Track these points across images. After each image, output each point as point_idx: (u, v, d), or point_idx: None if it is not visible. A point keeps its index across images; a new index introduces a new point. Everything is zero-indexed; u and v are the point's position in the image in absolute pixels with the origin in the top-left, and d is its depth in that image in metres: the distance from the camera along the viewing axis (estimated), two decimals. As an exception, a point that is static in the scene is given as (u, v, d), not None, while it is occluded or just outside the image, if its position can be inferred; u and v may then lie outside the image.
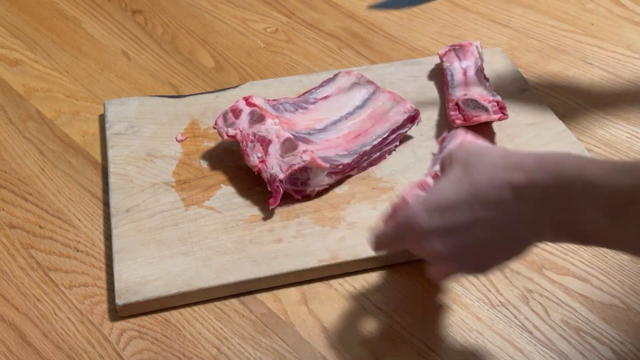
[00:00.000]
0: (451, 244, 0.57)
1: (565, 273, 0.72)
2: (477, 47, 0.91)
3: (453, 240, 0.57)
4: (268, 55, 1.00)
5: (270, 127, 0.77)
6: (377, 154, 0.81)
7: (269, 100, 0.82)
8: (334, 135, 0.81)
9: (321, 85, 0.86)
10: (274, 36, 1.04)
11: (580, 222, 0.52)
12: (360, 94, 0.85)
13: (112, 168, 0.80)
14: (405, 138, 0.83)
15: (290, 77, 0.93)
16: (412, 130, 0.84)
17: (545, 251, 0.74)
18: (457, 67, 0.89)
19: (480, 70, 0.88)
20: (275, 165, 0.74)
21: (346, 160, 0.77)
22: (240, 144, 0.77)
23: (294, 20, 1.07)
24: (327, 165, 0.75)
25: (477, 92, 0.84)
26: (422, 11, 1.09)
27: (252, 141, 0.77)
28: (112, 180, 0.79)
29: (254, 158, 0.76)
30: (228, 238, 0.73)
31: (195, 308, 0.69)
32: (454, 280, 0.70)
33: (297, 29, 1.05)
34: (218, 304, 0.69)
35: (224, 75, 0.97)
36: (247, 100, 0.80)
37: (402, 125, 0.82)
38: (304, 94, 0.85)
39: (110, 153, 0.82)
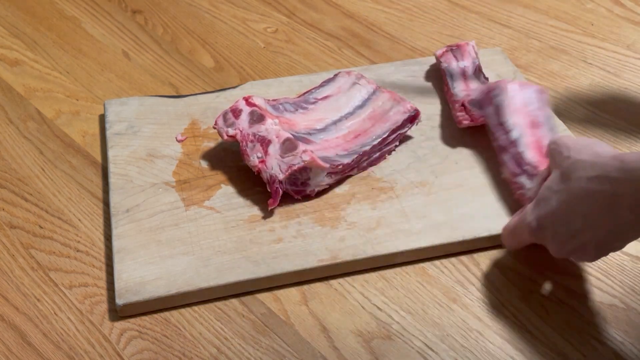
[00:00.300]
0: (569, 245, 0.63)
1: (565, 273, 0.72)
2: (473, 46, 0.91)
3: (569, 243, 0.63)
4: (268, 55, 1.00)
5: (270, 127, 0.77)
6: (377, 154, 0.81)
7: (269, 100, 0.82)
8: (333, 135, 0.81)
9: (321, 85, 0.86)
10: (274, 36, 1.04)
11: None
12: (360, 94, 0.85)
13: (112, 168, 0.80)
14: (405, 138, 0.83)
15: (290, 77, 0.93)
16: (412, 130, 0.84)
17: (545, 251, 0.74)
18: (456, 68, 0.89)
19: (478, 70, 0.88)
20: (275, 166, 0.74)
21: (346, 160, 0.77)
22: (240, 144, 0.77)
23: (294, 20, 1.07)
24: (327, 165, 0.75)
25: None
26: (422, 11, 1.09)
27: (252, 141, 0.77)
28: (112, 180, 0.79)
29: (253, 158, 0.76)
30: (228, 238, 0.73)
31: (196, 308, 0.69)
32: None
33: (297, 29, 1.05)
34: (218, 304, 0.69)
35: (224, 75, 0.97)
36: (247, 100, 0.80)
37: (402, 125, 0.82)
38: (304, 94, 0.85)
39: (110, 153, 0.82)
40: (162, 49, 1.01)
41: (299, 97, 0.85)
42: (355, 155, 0.78)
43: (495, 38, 1.03)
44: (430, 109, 0.88)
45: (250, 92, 0.89)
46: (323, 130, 0.81)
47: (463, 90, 0.86)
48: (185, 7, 1.09)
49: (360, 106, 0.84)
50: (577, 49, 1.01)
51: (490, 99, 0.80)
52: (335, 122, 0.82)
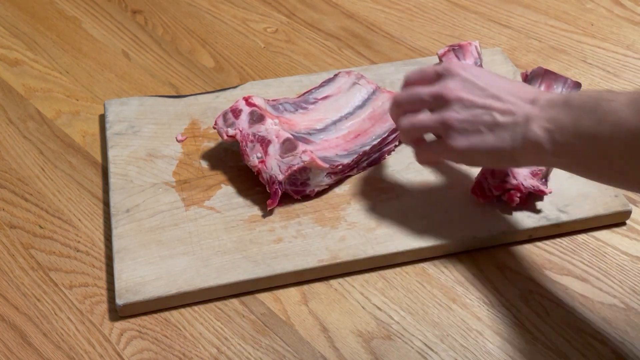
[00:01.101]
0: (469, 95, 0.65)
1: (565, 273, 0.72)
2: (476, 46, 0.91)
3: (472, 95, 0.65)
4: (268, 55, 1.00)
5: (270, 127, 0.77)
6: (377, 154, 0.81)
7: (268, 100, 0.82)
8: (333, 135, 0.81)
9: (321, 85, 0.86)
10: (274, 36, 1.04)
11: (577, 130, 0.59)
12: (360, 94, 0.85)
13: (112, 168, 0.80)
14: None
15: (290, 77, 0.93)
16: (412, 130, 0.84)
17: (545, 251, 0.74)
18: (457, 67, 0.89)
19: (480, 70, 0.88)
20: (275, 166, 0.74)
21: (346, 161, 0.77)
22: (240, 144, 0.77)
23: (294, 20, 1.07)
24: (327, 165, 0.75)
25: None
26: (422, 11, 1.09)
27: (251, 141, 0.77)
28: (112, 180, 0.79)
29: (253, 158, 0.76)
30: (228, 238, 0.73)
31: (196, 308, 0.69)
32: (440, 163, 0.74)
33: (297, 29, 1.05)
34: (218, 304, 0.69)
35: (224, 75, 0.97)
36: (247, 100, 0.80)
37: None
38: (304, 94, 0.85)
39: (111, 153, 0.82)
40: (162, 49, 1.01)
41: (299, 97, 0.85)
42: (355, 155, 0.78)
43: (495, 38, 1.03)
44: (430, 109, 0.88)
45: (250, 92, 0.89)
46: (323, 130, 0.81)
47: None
48: (185, 7, 1.09)
49: (360, 106, 0.84)
50: (577, 49, 1.01)
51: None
52: (335, 122, 0.82)
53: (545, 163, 0.68)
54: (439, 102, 0.67)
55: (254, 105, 0.79)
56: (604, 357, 0.65)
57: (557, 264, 0.73)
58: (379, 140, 0.80)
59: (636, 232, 0.76)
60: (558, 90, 0.84)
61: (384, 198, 0.77)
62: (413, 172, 0.80)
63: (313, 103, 0.84)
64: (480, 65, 0.89)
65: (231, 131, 0.78)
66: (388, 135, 0.81)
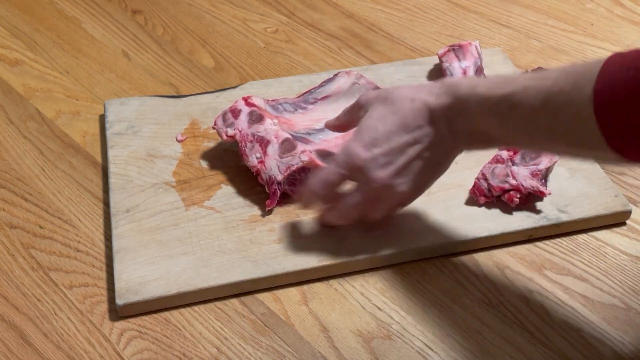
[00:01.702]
0: (391, 168, 0.66)
1: (565, 273, 0.72)
2: (476, 46, 0.91)
3: (392, 164, 0.66)
4: (268, 55, 1.00)
5: (269, 127, 0.77)
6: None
7: (268, 100, 0.82)
8: (332, 135, 0.80)
9: (321, 85, 0.86)
10: (274, 36, 1.04)
11: (479, 129, 0.63)
12: (360, 94, 0.84)
13: (112, 168, 0.80)
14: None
15: (290, 77, 0.93)
16: (412, 130, 0.84)
17: (545, 251, 0.74)
18: (457, 67, 0.89)
19: (479, 70, 0.88)
20: (274, 167, 0.74)
21: None
22: (239, 145, 0.77)
23: (294, 20, 1.07)
24: (325, 165, 0.75)
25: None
26: (422, 11, 1.09)
27: (250, 141, 0.77)
28: (112, 180, 0.79)
29: (252, 159, 0.76)
30: (228, 238, 0.73)
31: (196, 308, 0.69)
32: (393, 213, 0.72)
33: (297, 29, 1.05)
34: (218, 304, 0.69)
35: (224, 75, 0.97)
36: (246, 100, 0.80)
37: None
38: (304, 94, 0.85)
39: (111, 153, 0.82)
40: (162, 49, 1.01)
41: (299, 97, 0.85)
42: (355, 155, 0.78)
43: (495, 38, 1.03)
44: (430, 109, 0.88)
45: (250, 92, 0.89)
46: (322, 130, 0.81)
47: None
48: (185, 7, 1.09)
49: (360, 106, 0.84)
50: (577, 49, 1.01)
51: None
52: (335, 122, 0.82)
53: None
54: (355, 174, 0.68)
55: (253, 105, 0.79)
56: (604, 357, 0.65)
57: (557, 264, 0.73)
58: (379, 140, 0.80)
59: (636, 232, 0.76)
60: None
61: (384, 198, 0.77)
62: (413, 172, 0.80)
63: (312, 103, 0.84)
64: (481, 65, 0.89)
65: (230, 131, 0.78)
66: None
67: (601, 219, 0.75)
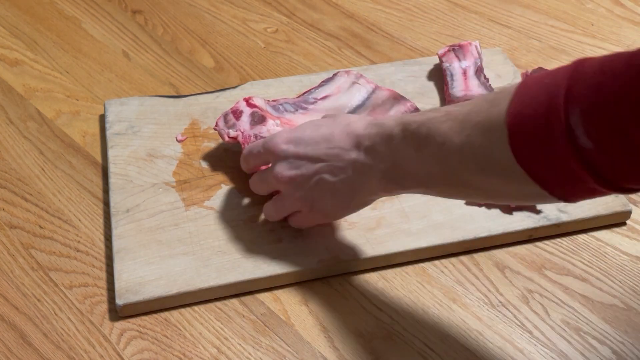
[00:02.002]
0: (295, 171, 0.67)
1: (565, 273, 0.72)
2: (476, 46, 0.91)
3: (298, 170, 0.66)
4: (268, 55, 1.00)
5: (272, 127, 0.77)
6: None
7: (268, 100, 0.82)
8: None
9: (320, 85, 0.86)
10: (274, 36, 1.04)
11: (397, 161, 0.61)
12: (360, 93, 0.85)
13: (112, 168, 0.80)
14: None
15: (290, 77, 0.93)
16: (412, 130, 0.84)
17: (545, 251, 0.74)
18: (457, 67, 0.89)
19: (479, 70, 0.88)
20: None
21: None
22: (242, 146, 0.77)
23: (294, 20, 1.07)
24: None
25: (477, 92, 0.84)
26: (422, 11, 1.09)
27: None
28: (112, 180, 0.79)
29: None
30: (228, 238, 0.73)
31: (196, 308, 0.69)
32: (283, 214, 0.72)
33: (297, 29, 1.05)
34: (218, 304, 0.69)
35: (224, 75, 0.97)
36: (247, 101, 0.79)
37: None
38: (304, 94, 0.85)
39: (110, 153, 0.82)
40: (162, 49, 1.01)
41: (299, 97, 0.85)
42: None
43: (495, 38, 1.03)
44: (430, 109, 0.88)
45: (250, 92, 0.89)
46: (323, 130, 0.81)
47: (461, 90, 0.86)
48: (185, 7, 1.09)
49: (361, 105, 0.84)
50: (577, 49, 1.01)
51: None
52: (335, 122, 0.82)
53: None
54: (267, 158, 0.71)
55: (254, 106, 0.79)
56: (604, 357, 0.65)
57: (557, 264, 0.73)
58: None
59: (636, 232, 0.76)
60: None
61: (384, 198, 0.77)
62: (413, 172, 0.80)
63: (313, 103, 0.84)
64: (481, 65, 0.89)
65: (232, 132, 0.78)
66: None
67: (601, 219, 0.75)
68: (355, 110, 0.83)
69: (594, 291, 0.70)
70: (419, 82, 0.92)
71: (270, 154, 0.69)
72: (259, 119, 0.78)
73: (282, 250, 0.72)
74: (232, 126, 0.78)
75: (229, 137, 0.78)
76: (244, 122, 0.78)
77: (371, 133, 0.63)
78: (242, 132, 0.77)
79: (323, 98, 0.84)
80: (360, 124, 0.65)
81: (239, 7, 1.10)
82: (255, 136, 0.77)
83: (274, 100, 0.82)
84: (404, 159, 0.60)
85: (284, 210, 0.71)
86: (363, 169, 0.64)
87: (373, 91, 0.85)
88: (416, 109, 0.82)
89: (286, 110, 0.82)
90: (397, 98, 0.83)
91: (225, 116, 0.79)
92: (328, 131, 0.66)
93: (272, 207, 0.72)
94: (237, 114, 0.79)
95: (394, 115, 0.65)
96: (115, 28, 1.05)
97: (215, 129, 0.80)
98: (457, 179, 0.57)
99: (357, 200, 0.67)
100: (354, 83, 0.85)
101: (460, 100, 0.83)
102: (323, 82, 0.86)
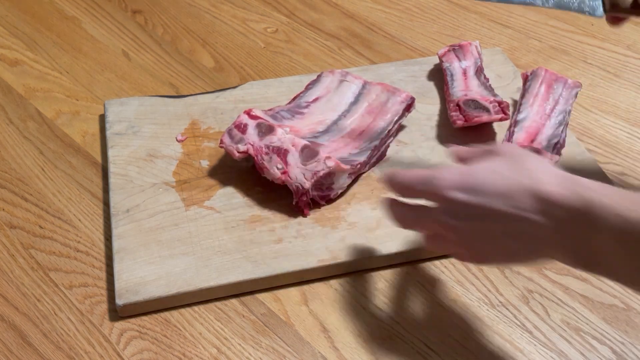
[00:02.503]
0: (463, 224, 0.57)
1: (565, 273, 0.72)
2: (476, 46, 0.91)
3: (466, 222, 0.57)
4: (268, 55, 1.00)
5: (283, 136, 0.76)
6: (383, 147, 0.80)
7: (265, 110, 0.81)
8: (338, 135, 0.80)
9: (307, 89, 0.85)
10: (274, 36, 1.04)
11: (593, 246, 0.52)
12: (351, 90, 0.84)
13: (112, 168, 0.80)
14: (405, 138, 0.83)
15: (290, 77, 0.93)
16: (413, 130, 0.84)
17: (545, 251, 0.74)
18: (457, 67, 0.89)
19: (479, 70, 0.88)
20: (299, 175, 0.73)
21: (362, 159, 0.77)
22: (255, 159, 0.75)
23: (294, 20, 1.07)
24: (348, 166, 0.75)
25: (478, 92, 0.84)
26: (422, 11, 1.09)
27: (267, 154, 0.75)
28: (112, 180, 0.79)
29: (274, 170, 0.74)
30: (228, 238, 0.73)
31: (196, 308, 0.69)
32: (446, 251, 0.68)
33: (297, 29, 1.05)
34: (218, 304, 0.69)
35: (224, 75, 0.97)
36: (249, 113, 0.78)
37: (402, 115, 0.82)
38: (294, 99, 0.84)
39: (110, 153, 0.82)
40: (162, 49, 1.01)
41: (290, 103, 0.84)
42: (368, 152, 0.78)
43: (495, 38, 1.03)
44: (430, 109, 0.88)
45: (250, 92, 0.89)
46: (326, 131, 0.80)
47: (461, 90, 0.86)
48: (185, 7, 1.09)
49: (354, 102, 0.83)
50: (577, 49, 1.01)
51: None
52: (335, 122, 0.82)
53: None
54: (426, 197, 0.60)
55: (257, 117, 0.78)
56: (604, 357, 0.65)
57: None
58: (385, 133, 0.80)
59: (636, 232, 0.76)
60: (558, 91, 0.84)
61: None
62: (413, 172, 0.80)
63: (306, 107, 0.83)
64: (481, 65, 0.89)
65: (242, 147, 0.76)
66: (392, 127, 0.81)
67: (601, 219, 0.75)
68: (350, 107, 0.83)
69: (594, 291, 0.70)
70: (419, 82, 0.92)
71: (434, 195, 0.59)
72: (267, 129, 0.76)
73: (282, 250, 0.72)
74: (240, 141, 0.77)
75: (238, 152, 0.76)
76: (252, 134, 0.77)
77: (565, 202, 0.53)
78: (252, 145, 0.76)
79: (314, 100, 0.84)
80: (550, 178, 0.55)
81: (239, 7, 1.10)
82: (267, 147, 0.75)
83: (269, 110, 0.81)
84: (606, 252, 0.52)
85: (443, 250, 0.67)
86: (547, 242, 0.55)
87: (363, 86, 0.84)
88: (412, 98, 0.82)
89: (284, 118, 0.81)
90: (391, 90, 0.83)
91: (229, 132, 0.77)
92: (506, 184, 0.56)
93: (430, 242, 0.63)
94: (241, 127, 0.77)
95: (587, 186, 0.54)
96: (115, 28, 1.05)
97: (221, 147, 0.78)
98: None
99: (532, 262, 0.61)
100: (341, 81, 0.85)
101: (460, 100, 0.83)
102: (309, 84, 0.86)
